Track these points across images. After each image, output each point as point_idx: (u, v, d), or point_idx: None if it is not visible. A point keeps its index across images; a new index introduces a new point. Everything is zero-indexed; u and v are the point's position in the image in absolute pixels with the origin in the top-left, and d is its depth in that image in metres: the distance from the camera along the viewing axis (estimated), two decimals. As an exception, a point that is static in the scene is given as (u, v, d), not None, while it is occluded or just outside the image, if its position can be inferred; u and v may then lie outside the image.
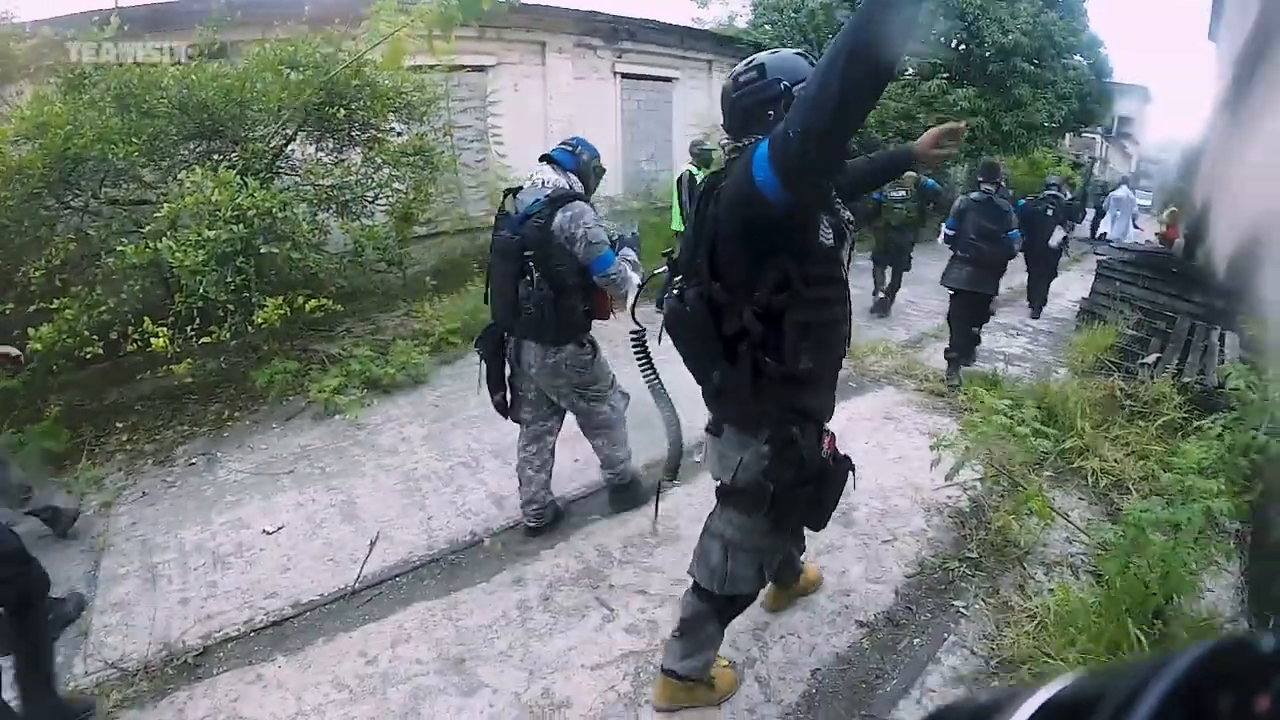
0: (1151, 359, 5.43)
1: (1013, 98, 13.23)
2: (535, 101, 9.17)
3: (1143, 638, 2.30)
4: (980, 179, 5.77)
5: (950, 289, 5.77)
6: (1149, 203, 21.56)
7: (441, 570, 3.28)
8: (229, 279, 4.28)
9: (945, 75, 13.08)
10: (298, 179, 5.58)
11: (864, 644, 2.81)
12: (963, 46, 13.40)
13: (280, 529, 3.58)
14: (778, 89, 1.83)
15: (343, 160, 5.77)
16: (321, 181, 5.42)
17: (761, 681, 2.59)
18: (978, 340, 5.98)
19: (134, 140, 4.49)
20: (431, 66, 6.55)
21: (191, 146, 5.16)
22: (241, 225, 4.27)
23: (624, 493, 3.63)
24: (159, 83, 4.87)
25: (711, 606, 2.22)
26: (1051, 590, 3.01)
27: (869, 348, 6.27)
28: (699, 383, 1.98)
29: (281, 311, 4.54)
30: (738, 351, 1.81)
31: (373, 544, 3.40)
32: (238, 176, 4.46)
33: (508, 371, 3.28)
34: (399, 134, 6.01)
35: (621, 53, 9.99)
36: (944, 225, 5.89)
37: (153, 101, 4.80)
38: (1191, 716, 0.32)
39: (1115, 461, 4.11)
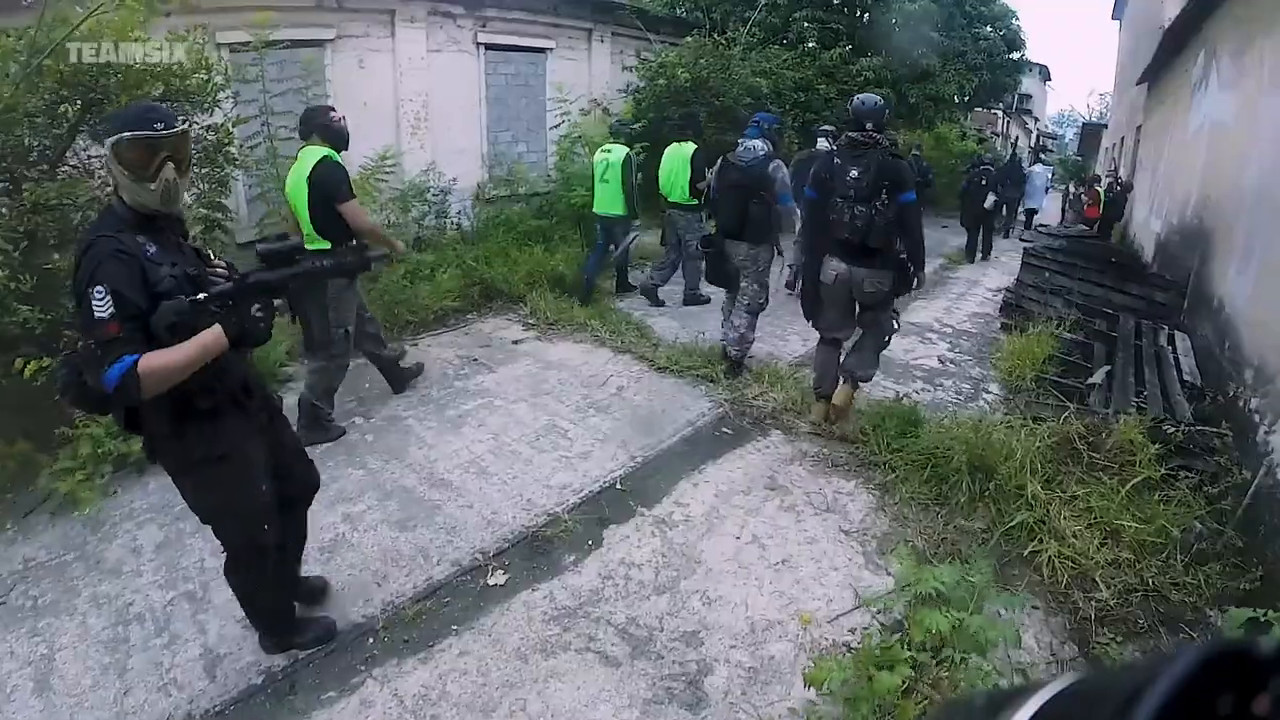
0: (1099, 377, 4.79)
1: (920, 69, 12.75)
2: (384, 78, 8.12)
3: None
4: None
5: None
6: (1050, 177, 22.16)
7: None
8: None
9: (848, 44, 12.51)
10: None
11: None
12: (866, 14, 12.84)
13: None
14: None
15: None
16: (77, 196, 4.18)
17: None
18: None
19: None
20: (246, 44, 5.91)
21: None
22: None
23: (735, 367, 5.30)
24: None
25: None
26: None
27: (754, 374, 5.30)
28: (869, 253, 4.01)
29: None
30: (890, 232, 3.99)
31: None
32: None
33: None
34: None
35: (485, 21, 8.93)
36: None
37: None
38: (1192, 716, 0.31)
39: (1075, 536, 3.29)
